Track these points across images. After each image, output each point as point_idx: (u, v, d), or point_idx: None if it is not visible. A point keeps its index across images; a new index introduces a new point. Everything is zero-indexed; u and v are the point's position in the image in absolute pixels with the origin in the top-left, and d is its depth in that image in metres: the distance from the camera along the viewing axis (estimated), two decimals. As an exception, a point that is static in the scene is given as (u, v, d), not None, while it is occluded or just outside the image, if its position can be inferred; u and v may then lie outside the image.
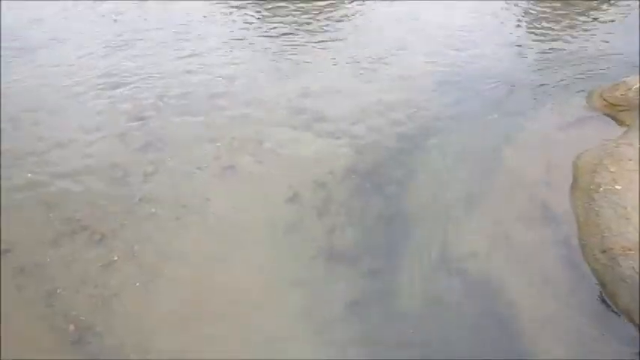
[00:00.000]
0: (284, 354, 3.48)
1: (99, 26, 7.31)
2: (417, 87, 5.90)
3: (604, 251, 3.77)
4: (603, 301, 3.64)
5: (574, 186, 4.39)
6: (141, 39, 6.95)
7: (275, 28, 7.25)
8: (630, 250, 3.65)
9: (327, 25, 7.28)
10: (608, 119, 5.24)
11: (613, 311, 3.57)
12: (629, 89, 5.35)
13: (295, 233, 4.24)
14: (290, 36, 7.02)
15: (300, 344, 3.55)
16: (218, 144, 5.04)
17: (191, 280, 3.90)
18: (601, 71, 6.15)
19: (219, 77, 6.06)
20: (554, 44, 6.81)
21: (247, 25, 7.35)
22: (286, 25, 7.32)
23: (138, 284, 3.86)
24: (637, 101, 5.20)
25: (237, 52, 6.63)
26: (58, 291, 3.79)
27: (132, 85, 5.93)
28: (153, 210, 4.41)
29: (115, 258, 4.02)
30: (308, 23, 7.37)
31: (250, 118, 5.39)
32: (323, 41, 6.91)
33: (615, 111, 5.28)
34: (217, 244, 4.15)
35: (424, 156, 4.88)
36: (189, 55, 6.56)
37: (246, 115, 5.43)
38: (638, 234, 3.71)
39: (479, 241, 4.10)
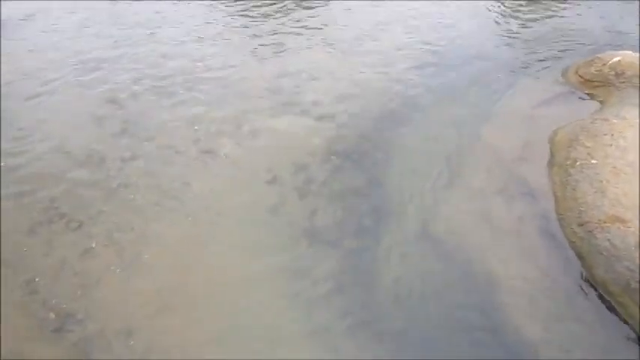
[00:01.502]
0: (270, 335, 3.49)
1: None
2: (396, 68, 5.89)
3: (581, 225, 3.84)
4: (581, 273, 3.71)
5: (551, 161, 4.45)
6: (115, 23, 6.81)
7: (252, 10, 7.16)
8: (606, 222, 3.71)
9: (306, 9, 7.21)
10: (584, 95, 5.30)
11: (590, 283, 3.64)
12: (604, 65, 5.41)
13: (277, 215, 4.23)
14: (267, 18, 6.93)
15: (286, 325, 3.55)
16: (196, 127, 4.99)
17: (172, 264, 3.87)
18: (576, 48, 6.21)
19: (196, 61, 5.98)
20: (531, 23, 6.83)
21: (224, 9, 7.24)
22: (263, 8, 7.22)
23: (118, 270, 3.82)
24: (611, 77, 5.26)
25: (213, 36, 6.53)
26: (36, 280, 3.73)
27: (107, 70, 5.82)
28: (131, 196, 4.35)
29: (94, 245, 3.97)
30: (287, 6, 7.28)
31: (228, 101, 5.34)
32: (301, 23, 6.84)
33: (590, 87, 5.34)
34: (198, 228, 4.12)
35: (403, 135, 4.89)
36: (165, 40, 6.45)
37: (224, 99, 5.37)
38: (613, 207, 3.77)
39: (459, 216, 4.14)
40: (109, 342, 3.42)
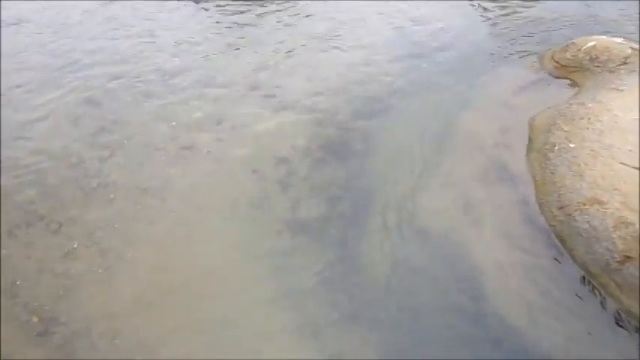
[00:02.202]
0: (259, 330, 3.50)
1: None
2: (374, 59, 5.87)
3: (561, 208, 3.89)
4: (562, 256, 3.76)
5: (530, 147, 4.49)
6: (89, 19, 6.69)
7: (229, 4, 7.08)
8: (585, 205, 3.76)
9: (283, 2, 7.15)
10: (560, 80, 5.35)
11: (571, 266, 3.69)
12: (579, 50, 5.46)
13: (259, 209, 4.22)
14: (245, 13, 6.86)
15: (274, 319, 3.56)
16: (174, 123, 4.94)
17: (155, 262, 3.84)
18: (552, 35, 6.25)
19: (173, 56, 5.90)
20: (508, 11, 6.85)
21: (199, 5, 7.15)
22: (240, 2, 7.15)
23: (100, 271, 3.79)
24: (586, 62, 5.32)
25: (190, 31, 6.45)
26: (17, 283, 3.68)
27: (82, 68, 5.72)
28: (111, 195, 4.30)
29: (75, 246, 3.92)
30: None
31: (207, 96, 5.29)
32: (279, 16, 6.77)
33: (566, 72, 5.39)
34: (180, 225, 4.09)
35: (383, 125, 4.89)
36: (141, 36, 6.35)
37: (203, 93, 5.32)
38: (591, 189, 3.82)
39: (440, 203, 4.16)
40: (94, 343, 3.40)
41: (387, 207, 4.19)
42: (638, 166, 3.83)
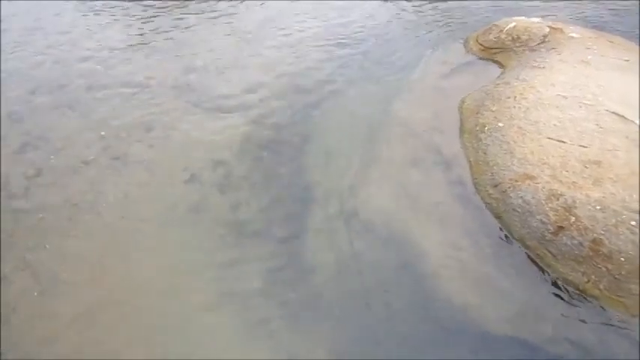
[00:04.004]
0: (208, 338, 3.42)
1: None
2: (305, 53, 5.86)
3: (495, 186, 4.00)
4: (500, 233, 3.87)
5: (462, 129, 4.59)
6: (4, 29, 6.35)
7: (150, 7, 6.88)
8: (517, 181, 3.88)
9: (206, 2, 7.01)
10: (486, 62, 5.50)
11: (510, 241, 3.80)
12: (501, 32, 5.64)
13: (199, 214, 4.12)
14: (167, 15, 6.69)
15: (223, 324, 3.49)
16: (103, 134, 4.75)
17: (93, 279, 3.68)
18: (475, 18, 6.42)
19: (96, 64, 5.68)
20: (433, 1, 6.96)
21: (122, 4, 6.91)
22: (164, 4, 6.96)
23: (36, 294, 3.60)
24: (508, 42, 5.50)
25: (112, 37, 6.23)
26: (-53, 316, 3.46)
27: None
28: (41, 215, 4.09)
29: (6, 270, 3.71)
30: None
31: (135, 103, 5.12)
32: (205, 15, 6.65)
33: (491, 54, 5.55)
34: (117, 238, 3.94)
35: (318, 118, 4.88)
36: (60, 44, 6.08)
37: (131, 100, 5.14)
38: (522, 166, 3.95)
39: (380, 192, 4.19)
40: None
41: (328, 201, 4.18)
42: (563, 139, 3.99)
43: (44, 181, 4.36)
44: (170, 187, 4.30)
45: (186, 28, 6.33)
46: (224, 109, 5.02)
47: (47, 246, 3.86)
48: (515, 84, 4.68)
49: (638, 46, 5.30)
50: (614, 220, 3.50)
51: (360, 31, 6.19)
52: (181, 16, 6.61)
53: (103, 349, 3.34)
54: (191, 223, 4.06)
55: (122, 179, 4.36)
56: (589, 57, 4.87)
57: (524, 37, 5.48)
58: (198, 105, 5.07)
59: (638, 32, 5.74)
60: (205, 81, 5.37)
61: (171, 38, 6.15)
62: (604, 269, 3.44)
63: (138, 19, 6.58)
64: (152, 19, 6.56)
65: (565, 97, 4.33)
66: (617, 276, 3.40)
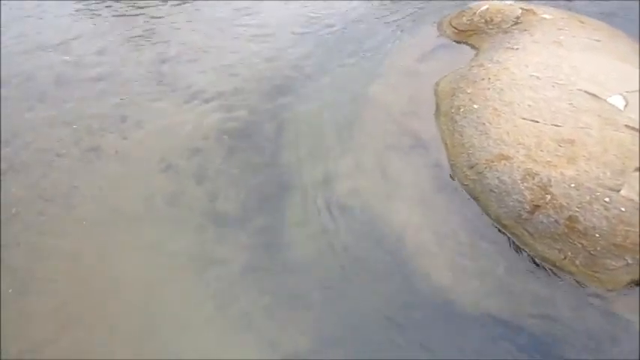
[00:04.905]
0: (190, 331, 3.40)
1: None
2: (278, 40, 5.79)
3: (471, 167, 4.02)
4: (478, 213, 3.90)
5: (437, 112, 4.60)
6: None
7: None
8: (493, 162, 3.91)
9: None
10: (460, 45, 5.50)
11: (487, 222, 3.84)
12: (474, 14, 5.64)
13: (176, 205, 4.08)
14: (140, 4, 6.54)
15: (205, 316, 3.48)
16: (75, 126, 4.65)
17: (71, 275, 3.63)
18: (448, 2, 6.40)
19: (64, 55, 5.54)
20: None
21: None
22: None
23: (11, 291, 3.54)
24: (482, 25, 5.51)
25: (81, 25, 6.07)
26: None
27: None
28: (13, 210, 4.01)
29: (-21, 270, 3.64)
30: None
31: (107, 94, 5.01)
32: (176, 5, 6.51)
33: (465, 36, 5.56)
34: (93, 232, 3.88)
35: (293, 105, 4.83)
36: (25, 35, 5.92)
37: (103, 92, 5.03)
38: (497, 146, 3.97)
39: (358, 176, 4.19)
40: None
41: (307, 187, 4.17)
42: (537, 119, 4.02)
43: (16, 177, 4.26)
44: (146, 178, 4.24)
45: (159, 17, 6.19)
46: (198, 98, 4.95)
47: (21, 243, 3.78)
48: (489, 66, 4.70)
49: (608, 26, 5.36)
50: (588, 197, 3.55)
51: (334, 17, 6.13)
52: (153, 5, 6.47)
53: (80, 346, 3.30)
54: (168, 215, 4.01)
55: (96, 172, 4.29)
56: (561, 37, 4.90)
57: (497, 20, 5.49)
58: (171, 95, 4.98)
59: (607, 13, 5.82)
60: (178, 70, 5.28)
61: (142, 28, 6.01)
62: (579, 246, 3.49)
63: (107, 7, 6.42)
64: (122, 8, 6.41)
65: (538, 78, 4.35)
66: (592, 252, 3.46)
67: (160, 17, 6.21)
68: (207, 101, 4.90)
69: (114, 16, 6.28)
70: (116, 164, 4.36)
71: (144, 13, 6.26)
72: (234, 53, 5.54)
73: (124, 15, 6.26)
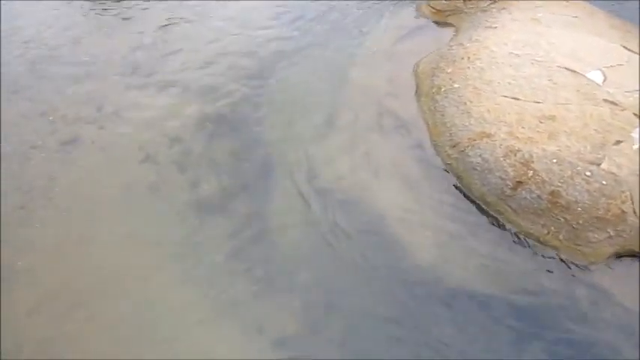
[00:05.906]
0: (179, 320, 3.38)
1: None
2: (255, 25, 5.69)
3: (454, 146, 4.03)
4: (461, 192, 3.91)
5: (418, 92, 4.59)
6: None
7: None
8: (475, 140, 3.92)
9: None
10: (439, 25, 5.48)
11: (471, 200, 3.85)
12: (452, -6, 5.64)
13: (158, 193, 4.03)
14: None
15: (193, 305, 3.46)
16: (51, 118, 4.55)
17: (53, 267, 3.58)
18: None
19: (39, 45, 5.39)
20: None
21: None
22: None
23: (-10, 286, 3.48)
24: (460, 4, 5.50)
25: (55, 14, 5.90)
26: None
27: None
28: (-9, 204, 3.93)
29: (-41, 265, 3.56)
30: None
31: (82, 84, 4.89)
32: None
33: (443, 16, 5.54)
34: (75, 223, 3.82)
35: (274, 90, 4.76)
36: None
37: (77, 81, 4.91)
38: (479, 124, 3.98)
39: (341, 159, 4.18)
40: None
41: (290, 171, 4.14)
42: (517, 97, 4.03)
43: (-8, 170, 4.17)
44: (126, 167, 4.17)
45: (134, 6, 6.05)
46: (176, 85, 4.85)
47: (0, 236, 3.71)
48: (469, 45, 4.69)
49: (585, 3, 5.38)
50: (570, 172, 3.58)
51: (312, 2, 6.05)
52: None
53: (64, 337, 3.26)
54: (150, 204, 3.96)
55: (74, 163, 4.21)
56: (539, 15, 4.91)
57: (475, -2, 5.49)
58: (148, 83, 4.88)
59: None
60: (155, 58, 5.17)
61: (116, 16, 5.88)
62: (562, 220, 3.53)
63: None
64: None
65: (518, 56, 4.36)
66: (575, 225, 3.50)
67: (135, 6, 6.07)
68: (184, 88, 4.81)
69: (89, 4, 6.13)
70: (94, 154, 4.27)
71: (120, 3, 6.12)
72: (208, 40, 5.41)
73: (100, 5, 6.10)
